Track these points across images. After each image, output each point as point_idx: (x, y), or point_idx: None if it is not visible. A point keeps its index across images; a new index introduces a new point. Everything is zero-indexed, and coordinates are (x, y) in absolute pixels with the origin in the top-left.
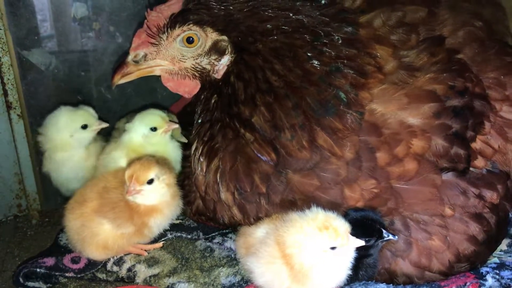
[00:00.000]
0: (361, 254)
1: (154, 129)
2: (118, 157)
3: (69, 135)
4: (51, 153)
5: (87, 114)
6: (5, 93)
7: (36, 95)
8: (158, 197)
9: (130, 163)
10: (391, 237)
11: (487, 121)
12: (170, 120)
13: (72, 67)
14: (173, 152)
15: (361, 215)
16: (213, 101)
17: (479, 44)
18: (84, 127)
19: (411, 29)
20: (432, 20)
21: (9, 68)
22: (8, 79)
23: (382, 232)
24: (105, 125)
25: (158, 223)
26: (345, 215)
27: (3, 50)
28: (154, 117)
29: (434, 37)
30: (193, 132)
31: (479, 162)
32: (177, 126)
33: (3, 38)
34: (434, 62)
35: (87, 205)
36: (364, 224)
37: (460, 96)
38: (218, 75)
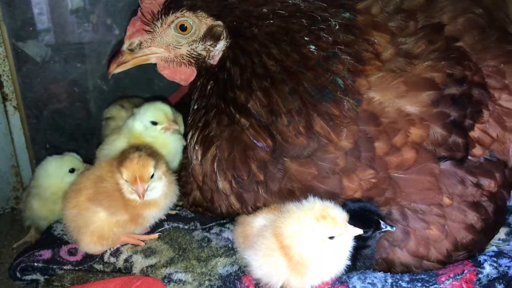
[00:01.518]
0: (359, 245)
1: (154, 123)
2: (121, 146)
3: (60, 180)
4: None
5: (73, 159)
6: (1, 85)
7: (32, 87)
8: (161, 189)
9: (122, 161)
10: (389, 228)
11: (486, 110)
12: (173, 120)
13: (68, 59)
14: (174, 143)
15: (359, 206)
16: (209, 87)
17: (479, 32)
18: (72, 171)
19: (409, 16)
20: (431, 6)
21: (4, 60)
22: (4, 70)
23: (380, 223)
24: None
25: (154, 214)
26: (343, 206)
27: None
28: (157, 112)
29: (433, 24)
30: (189, 119)
31: (477, 150)
32: (177, 127)
33: None
34: (432, 49)
35: (83, 193)
36: (362, 216)
37: (458, 84)
38: (214, 61)
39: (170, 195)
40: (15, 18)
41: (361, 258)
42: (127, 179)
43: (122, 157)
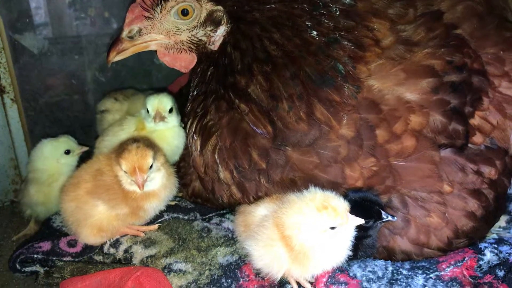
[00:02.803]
0: (360, 235)
1: (148, 111)
2: (124, 137)
3: (56, 162)
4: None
5: (68, 141)
6: None
7: (30, 79)
8: (160, 180)
9: (121, 153)
10: (390, 218)
11: (486, 97)
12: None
13: (65, 51)
14: (175, 139)
15: (360, 196)
16: (209, 73)
17: (478, 19)
18: (67, 152)
19: (409, 3)
20: None
21: (1, 52)
22: (1, 63)
23: (381, 213)
24: (85, 148)
25: (154, 206)
26: (345, 196)
27: None
28: (152, 101)
29: (432, 11)
30: (187, 105)
31: (478, 138)
32: (158, 122)
33: None
34: (432, 37)
35: (81, 187)
36: (363, 206)
37: (458, 72)
38: (215, 47)
39: (170, 186)
40: (11, 10)
41: (362, 247)
42: (126, 170)
43: (121, 149)
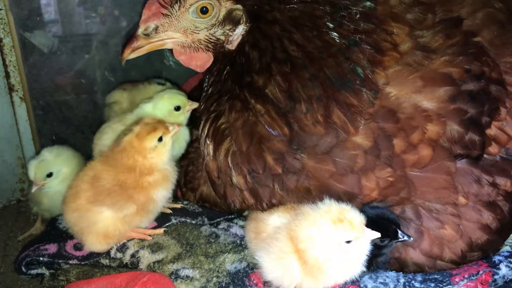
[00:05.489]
0: (374, 253)
1: (178, 108)
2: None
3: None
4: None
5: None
6: (7, 75)
7: (39, 77)
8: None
9: (142, 133)
10: (406, 238)
11: (503, 107)
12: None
13: (75, 50)
14: (186, 133)
15: (377, 213)
16: (225, 72)
17: (498, 27)
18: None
19: (427, 9)
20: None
21: (11, 50)
22: (10, 60)
23: (398, 232)
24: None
25: (165, 194)
26: (361, 212)
27: (5, 31)
28: (180, 96)
29: (451, 18)
30: (201, 104)
31: (493, 148)
32: (197, 104)
33: (4, 19)
34: (450, 44)
35: (81, 196)
36: (380, 224)
37: (476, 80)
38: (232, 46)
39: (174, 170)
40: (22, 7)
41: (375, 264)
42: (163, 134)
43: (137, 134)
